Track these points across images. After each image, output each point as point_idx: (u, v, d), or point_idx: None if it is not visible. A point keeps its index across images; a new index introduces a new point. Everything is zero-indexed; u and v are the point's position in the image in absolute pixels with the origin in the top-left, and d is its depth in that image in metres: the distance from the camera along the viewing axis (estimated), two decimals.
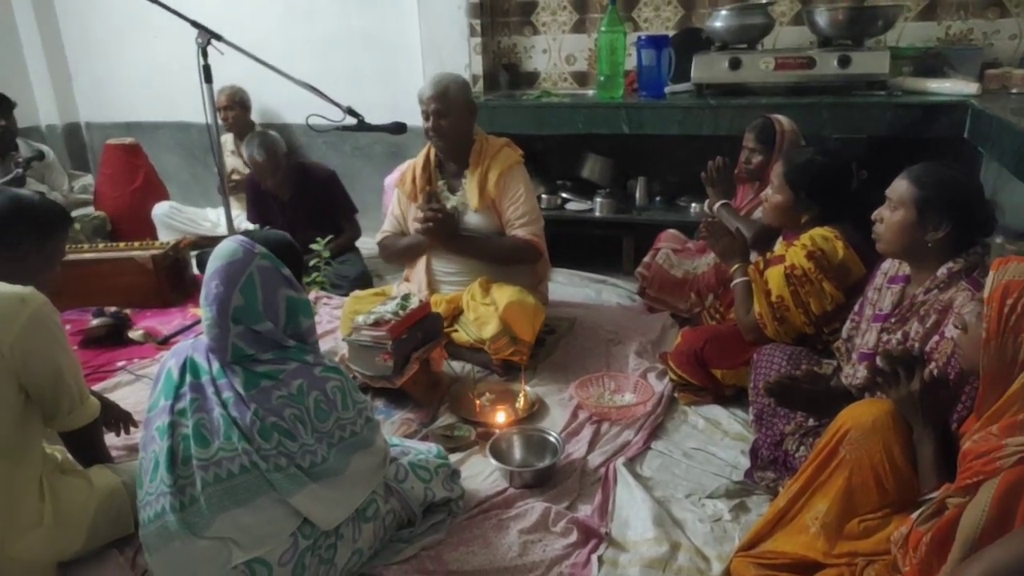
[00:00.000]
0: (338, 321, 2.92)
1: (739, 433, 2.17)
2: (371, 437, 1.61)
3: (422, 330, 2.37)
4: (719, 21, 3.15)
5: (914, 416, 1.41)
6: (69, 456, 1.75)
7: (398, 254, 2.89)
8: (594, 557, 1.67)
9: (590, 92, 3.71)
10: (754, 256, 2.36)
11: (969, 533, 1.11)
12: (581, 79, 3.91)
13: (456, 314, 2.65)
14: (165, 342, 2.96)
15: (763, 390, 1.77)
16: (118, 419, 1.99)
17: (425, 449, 1.88)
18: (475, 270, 2.70)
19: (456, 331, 2.62)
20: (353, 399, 1.58)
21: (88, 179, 4.36)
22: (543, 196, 3.64)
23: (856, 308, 1.87)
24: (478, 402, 2.33)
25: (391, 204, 2.97)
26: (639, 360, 2.61)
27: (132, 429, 2.02)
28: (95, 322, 2.97)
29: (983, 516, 1.09)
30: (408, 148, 3.71)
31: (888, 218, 1.66)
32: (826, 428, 1.52)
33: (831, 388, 1.81)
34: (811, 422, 1.83)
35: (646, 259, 3.08)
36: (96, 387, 2.42)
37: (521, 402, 2.34)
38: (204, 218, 4.27)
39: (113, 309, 3.08)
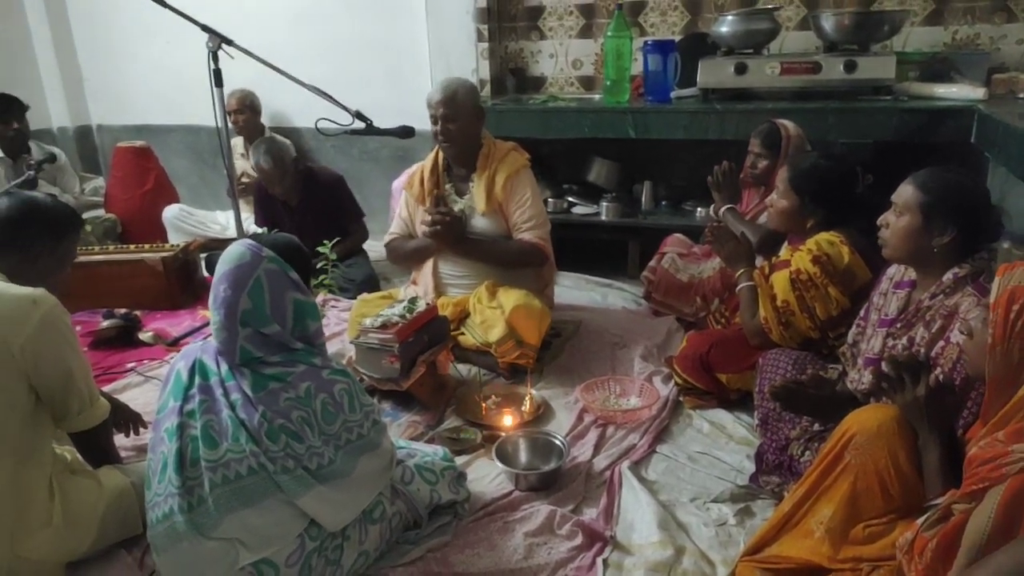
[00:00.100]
0: (345, 324, 2.93)
1: (744, 437, 2.17)
2: (378, 439, 1.62)
3: (429, 333, 2.38)
4: (725, 26, 3.16)
5: (919, 421, 1.41)
6: (78, 456, 1.76)
7: (405, 257, 2.91)
8: (599, 560, 1.67)
9: (596, 96, 3.72)
10: (760, 261, 2.36)
11: (975, 539, 1.10)
12: (588, 84, 3.92)
13: (463, 317, 2.66)
14: (175, 344, 2.98)
15: (768, 394, 1.78)
16: (128, 420, 2.00)
17: (431, 452, 1.89)
18: (482, 273, 2.71)
19: (462, 334, 2.62)
20: (360, 402, 1.59)
21: (99, 181, 4.40)
22: (549, 200, 3.65)
23: (862, 313, 1.87)
24: (484, 405, 2.34)
25: (398, 207, 2.99)
26: (644, 364, 2.61)
27: (141, 430, 2.03)
28: (105, 324, 2.99)
29: (989, 522, 1.09)
30: (416, 152, 3.73)
31: (894, 223, 1.67)
32: (831, 433, 1.52)
33: (836, 393, 1.81)
34: (816, 427, 1.83)
35: (652, 263, 3.08)
36: (106, 388, 2.44)
37: (527, 405, 2.35)
38: (213, 221, 4.30)
39: (123, 311, 3.10)
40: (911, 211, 1.63)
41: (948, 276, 1.59)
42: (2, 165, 3.78)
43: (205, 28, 2.34)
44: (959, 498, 1.20)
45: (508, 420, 2.25)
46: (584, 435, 2.20)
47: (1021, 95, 2.88)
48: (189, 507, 1.43)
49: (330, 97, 2.50)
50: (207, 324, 3.04)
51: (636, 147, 3.56)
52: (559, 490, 1.93)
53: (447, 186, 2.78)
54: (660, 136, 3.27)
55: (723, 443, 2.16)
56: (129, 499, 1.70)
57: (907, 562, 1.25)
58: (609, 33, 3.35)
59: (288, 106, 4.39)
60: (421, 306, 2.40)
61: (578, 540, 1.71)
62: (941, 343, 1.55)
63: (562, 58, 3.93)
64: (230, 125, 3.90)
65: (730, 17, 3.17)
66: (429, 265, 2.80)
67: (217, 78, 2.36)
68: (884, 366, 1.49)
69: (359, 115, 2.59)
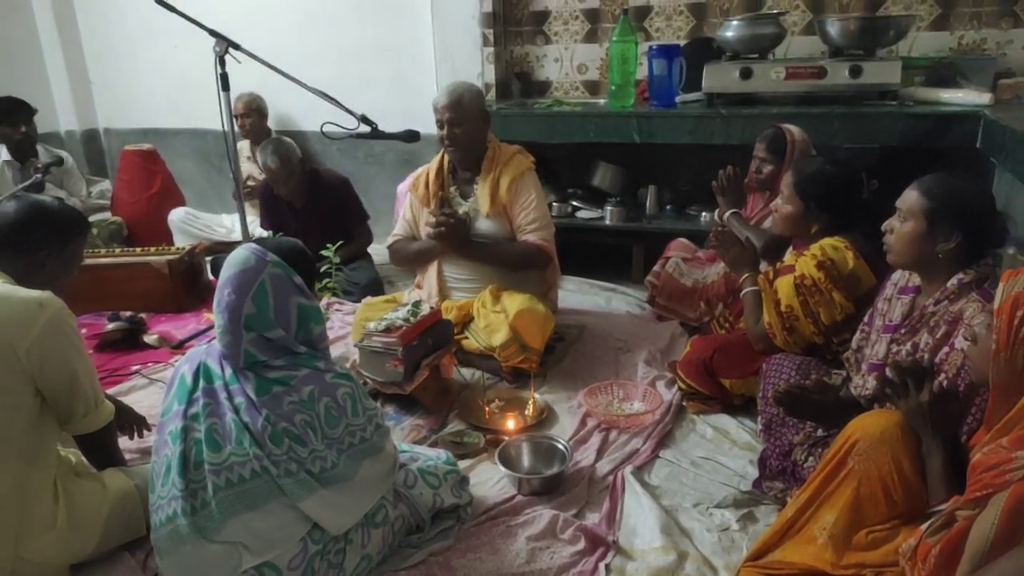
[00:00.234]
0: (350, 327, 2.94)
1: (747, 443, 2.16)
2: (381, 443, 1.62)
3: (432, 337, 2.39)
4: (730, 31, 3.16)
5: (923, 428, 1.40)
6: (83, 459, 1.77)
7: (408, 259, 2.91)
8: (601, 565, 1.67)
9: (601, 101, 3.72)
10: (764, 266, 2.36)
11: (978, 546, 1.10)
12: (593, 88, 3.93)
13: (466, 321, 2.67)
14: (179, 346, 2.99)
15: (772, 399, 1.77)
16: (132, 423, 2.01)
17: (434, 455, 1.89)
18: (486, 276, 2.72)
19: (466, 338, 2.63)
20: (363, 405, 1.60)
21: (106, 184, 4.41)
22: (554, 204, 3.65)
23: (866, 319, 1.87)
24: (487, 409, 2.34)
25: (403, 209, 3.00)
26: (648, 368, 2.61)
27: (145, 433, 2.04)
28: (111, 326, 3.00)
29: (992, 529, 1.09)
30: (421, 156, 3.74)
31: (898, 229, 1.66)
32: (835, 438, 1.52)
33: (840, 398, 1.80)
34: (820, 432, 1.83)
35: (656, 268, 3.08)
36: (111, 391, 2.45)
37: (530, 409, 2.35)
38: (219, 224, 4.31)
39: (128, 313, 3.11)
40: (916, 217, 1.62)
41: (953, 282, 1.59)
42: (10, 168, 3.80)
43: (212, 32, 2.36)
44: (962, 504, 1.20)
45: (511, 424, 2.26)
46: (587, 440, 2.20)
47: None
48: (192, 510, 1.44)
49: (336, 101, 2.51)
50: (212, 327, 3.05)
51: (641, 151, 3.55)
52: (562, 494, 1.93)
53: (452, 188, 2.79)
54: (665, 141, 3.27)
55: (726, 448, 2.16)
56: (133, 502, 1.70)
57: (910, 568, 1.25)
58: (614, 38, 3.36)
59: (294, 110, 4.41)
60: (425, 310, 2.40)
61: (581, 545, 1.71)
62: (945, 349, 1.54)
63: (567, 62, 3.94)
64: (237, 128, 3.91)
65: (735, 22, 3.17)
66: (433, 268, 2.81)
67: (224, 82, 2.37)
68: (888, 372, 1.49)
69: (364, 119, 2.60)
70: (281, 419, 1.47)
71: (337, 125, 2.51)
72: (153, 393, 2.56)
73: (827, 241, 2.06)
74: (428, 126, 2.77)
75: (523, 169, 2.72)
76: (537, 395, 2.42)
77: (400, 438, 2.18)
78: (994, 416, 1.26)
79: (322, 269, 3.25)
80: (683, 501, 1.91)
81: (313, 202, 3.61)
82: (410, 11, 4.00)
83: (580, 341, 2.89)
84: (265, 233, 3.70)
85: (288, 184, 3.52)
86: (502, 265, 2.71)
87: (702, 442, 2.20)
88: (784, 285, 2.08)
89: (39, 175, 3.57)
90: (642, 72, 3.52)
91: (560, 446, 2.06)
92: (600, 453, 2.13)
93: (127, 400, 2.25)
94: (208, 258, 3.70)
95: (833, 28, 3.05)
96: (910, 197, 1.65)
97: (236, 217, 3.64)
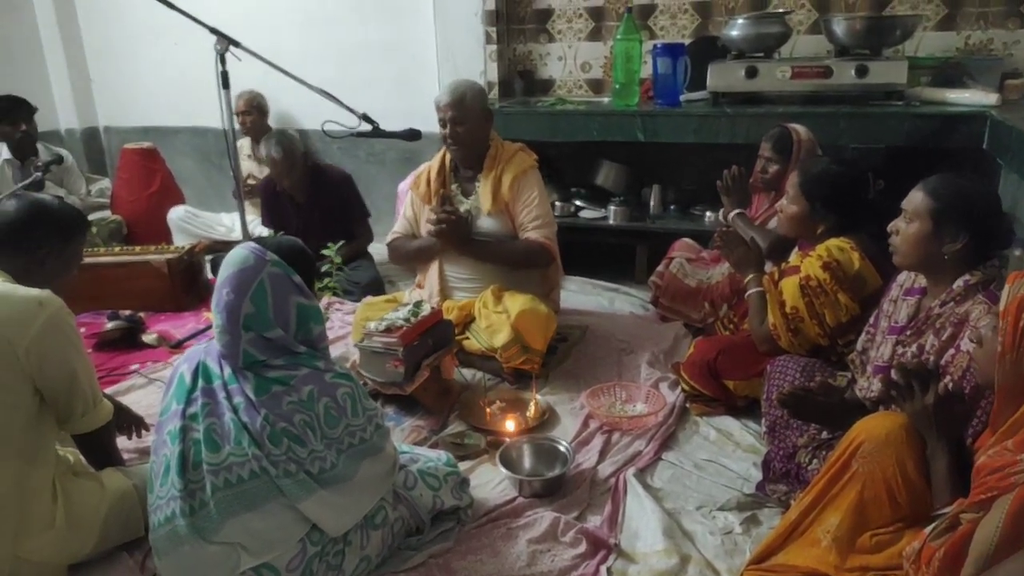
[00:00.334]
0: (350, 327, 2.93)
1: (751, 445, 2.15)
2: (380, 444, 1.62)
3: (433, 337, 2.37)
4: (736, 30, 3.14)
5: (928, 430, 1.40)
6: (81, 458, 1.77)
7: (407, 256, 2.91)
8: (603, 568, 1.66)
9: (605, 100, 3.71)
10: (769, 266, 2.34)
11: (982, 549, 1.10)
12: (596, 87, 3.91)
13: (468, 321, 2.66)
14: (179, 346, 2.99)
15: (777, 401, 1.76)
16: (130, 423, 2.01)
17: (435, 457, 1.88)
18: (488, 276, 2.71)
19: (467, 338, 2.62)
20: (363, 405, 1.59)
21: (105, 183, 4.41)
22: (557, 203, 3.64)
23: (871, 320, 1.85)
24: (488, 410, 2.33)
25: (404, 206, 2.99)
26: (651, 370, 2.59)
27: (144, 433, 2.03)
28: (110, 325, 3.00)
29: (997, 532, 1.08)
30: (422, 155, 3.72)
31: (904, 230, 1.65)
32: (839, 441, 1.51)
33: (845, 400, 1.80)
34: (824, 435, 1.82)
35: (659, 268, 3.07)
36: (109, 390, 2.45)
37: (532, 411, 2.34)
38: (219, 223, 4.31)
39: (128, 312, 3.11)
40: (921, 218, 1.61)
41: (959, 283, 1.58)
42: (10, 167, 3.80)
43: (213, 30, 2.35)
44: (967, 507, 1.20)
45: (512, 425, 2.25)
46: (589, 441, 2.19)
47: None
48: (191, 511, 1.44)
49: (337, 99, 2.50)
50: (211, 327, 3.04)
51: (645, 151, 3.54)
52: (563, 497, 1.92)
53: (453, 186, 2.78)
54: (669, 140, 3.26)
55: (730, 451, 2.15)
56: (131, 501, 1.70)
57: (914, 571, 1.25)
58: (618, 36, 3.35)
59: (295, 108, 4.41)
60: (426, 310, 2.39)
61: (582, 548, 1.70)
62: (951, 351, 1.53)
63: (571, 61, 3.92)
64: (237, 126, 3.90)
65: (741, 21, 3.16)
66: (435, 268, 2.80)
67: (224, 80, 2.36)
68: (893, 374, 1.49)
69: (366, 117, 2.59)
70: (280, 419, 1.46)
71: (338, 123, 2.50)
72: (152, 392, 2.56)
73: (833, 242, 2.05)
74: (429, 125, 2.76)
75: (525, 167, 2.71)
76: (539, 396, 2.41)
77: (400, 439, 2.17)
78: (999, 418, 1.25)
79: (322, 268, 3.25)
80: (686, 504, 1.90)
81: (315, 197, 3.61)
82: (412, 9, 3.99)
83: (583, 342, 2.88)
84: (266, 232, 3.70)
85: (291, 177, 3.52)
86: (504, 263, 2.70)
87: (705, 444, 2.19)
88: (789, 286, 2.07)
89: (39, 173, 3.57)
90: (646, 71, 3.51)
91: (562, 448, 2.05)
92: (602, 455, 2.12)
93: (125, 399, 2.25)
94: (208, 257, 3.70)
95: (839, 27, 3.03)
96: (916, 198, 1.64)
97: (236, 216, 3.64)
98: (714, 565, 1.67)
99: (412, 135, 2.67)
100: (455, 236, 2.63)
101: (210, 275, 3.62)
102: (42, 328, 1.52)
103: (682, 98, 3.35)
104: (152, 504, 1.50)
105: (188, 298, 3.41)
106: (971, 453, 1.35)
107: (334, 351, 2.45)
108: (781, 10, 3.34)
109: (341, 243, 3.31)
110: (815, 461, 1.78)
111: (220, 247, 3.82)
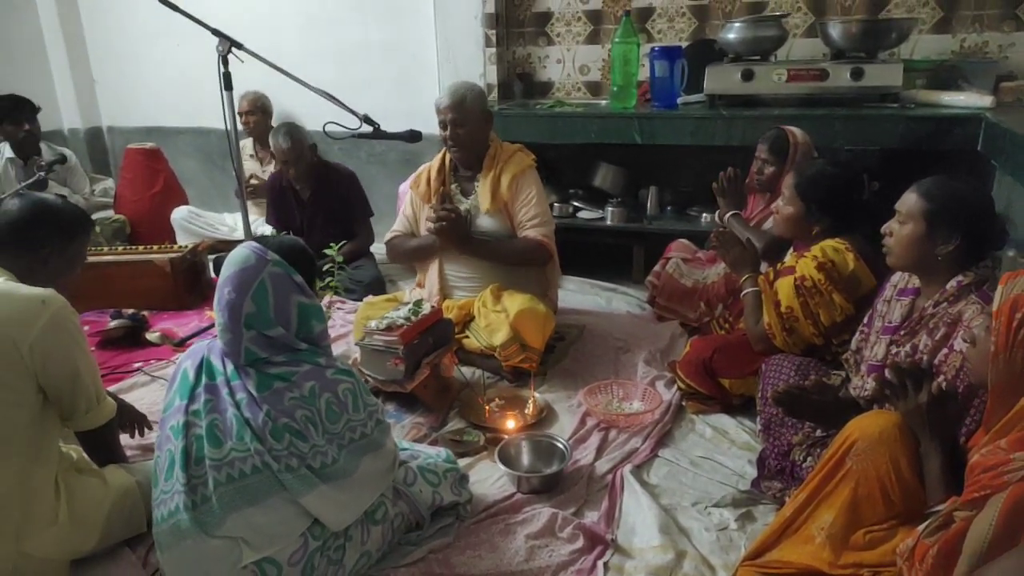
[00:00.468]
0: (351, 325, 2.95)
1: (746, 442, 2.17)
2: (381, 439, 1.63)
3: (433, 336, 2.39)
4: (732, 33, 3.16)
5: (921, 429, 1.41)
6: (84, 455, 1.78)
7: (406, 254, 2.92)
8: (600, 563, 1.67)
9: (603, 102, 3.73)
10: (764, 267, 2.36)
11: (976, 547, 1.10)
12: (594, 89, 3.93)
13: (467, 320, 2.67)
14: (181, 344, 3.00)
15: (771, 399, 1.77)
16: (133, 421, 2.01)
17: (434, 453, 1.90)
18: (488, 275, 2.72)
19: (467, 337, 2.64)
20: (364, 401, 1.60)
21: (109, 183, 4.43)
22: (555, 204, 3.66)
23: (865, 320, 1.87)
24: (487, 408, 2.35)
25: (403, 205, 3.00)
26: (648, 368, 2.61)
27: (146, 431, 2.05)
28: (113, 324, 3.01)
29: (990, 530, 1.09)
30: (423, 156, 3.74)
31: (898, 232, 1.67)
32: (833, 439, 1.52)
33: (839, 399, 1.81)
34: (819, 432, 1.83)
35: (656, 268, 3.09)
36: (112, 388, 2.46)
37: (530, 408, 2.35)
38: (222, 222, 4.32)
39: (131, 311, 3.12)
40: (915, 219, 1.63)
41: (952, 284, 1.60)
42: (13, 166, 3.81)
43: (215, 32, 2.36)
44: (960, 505, 1.20)
45: (511, 423, 2.26)
46: (586, 439, 2.20)
47: None
48: (193, 505, 1.45)
49: (338, 101, 2.51)
50: (214, 325, 3.06)
51: (642, 152, 3.56)
52: (561, 493, 1.93)
53: (453, 186, 2.80)
54: (666, 142, 3.27)
55: (725, 448, 2.16)
56: (134, 498, 1.71)
57: (908, 569, 1.25)
58: (616, 39, 3.36)
59: (296, 109, 4.41)
60: (426, 309, 2.41)
61: (579, 543, 1.72)
62: (944, 351, 1.55)
63: (569, 63, 3.94)
64: (240, 127, 3.92)
65: (737, 24, 3.17)
66: (435, 267, 2.82)
67: (227, 82, 2.37)
68: (887, 373, 1.49)
69: (367, 119, 2.60)
70: (282, 414, 1.48)
71: (339, 125, 2.51)
72: (155, 390, 2.57)
73: (828, 243, 2.07)
74: (430, 126, 2.78)
75: (524, 166, 2.73)
76: (537, 394, 2.43)
77: (400, 436, 2.18)
78: (992, 418, 1.26)
79: (324, 268, 3.26)
80: (682, 500, 1.91)
81: (320, 192, 3.63)
82: (413, 12, 4.01)
83: (580, 341, 2.90)
84: (269, 230, 3.72)
85: (297, 167, 3.54)
86: (502, 261, 2.72)
87: (701, 441, 2.21)
88: (784, 286, 2.09)
89: (42, 173, 3.59)
90: (644, 73, 3.52)
91: (559, 445, 2.06)
92: (599, 452, 2.13)
93: (128, 397, 2.26)
94: (211, 256, 3.71)
95: (835, 30, 3.05)
96: (909, 200, 1.65)
97: (238, 216, 3.65)
98: (709, 561, 1.68)
99: (413, 136, 2.68)
100: (454, 234, 2.65)
101: (213, 274, 3.64)
102: (45, 326, 1.53)
103: (679, 100, 3.37)
104: (156, 498, 1.51)
105: (191, 297, 3.42)
106: (964, 452, 1.36)
107: (335, 350, 2.46)
108: (777, 13, 3.36)
109: (343, 243, 3.32)
110: (809, 459, 1.80)
111: (223, 247, 3.83)
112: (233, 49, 2.36)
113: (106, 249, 3.56)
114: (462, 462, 2.02)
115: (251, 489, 1.45)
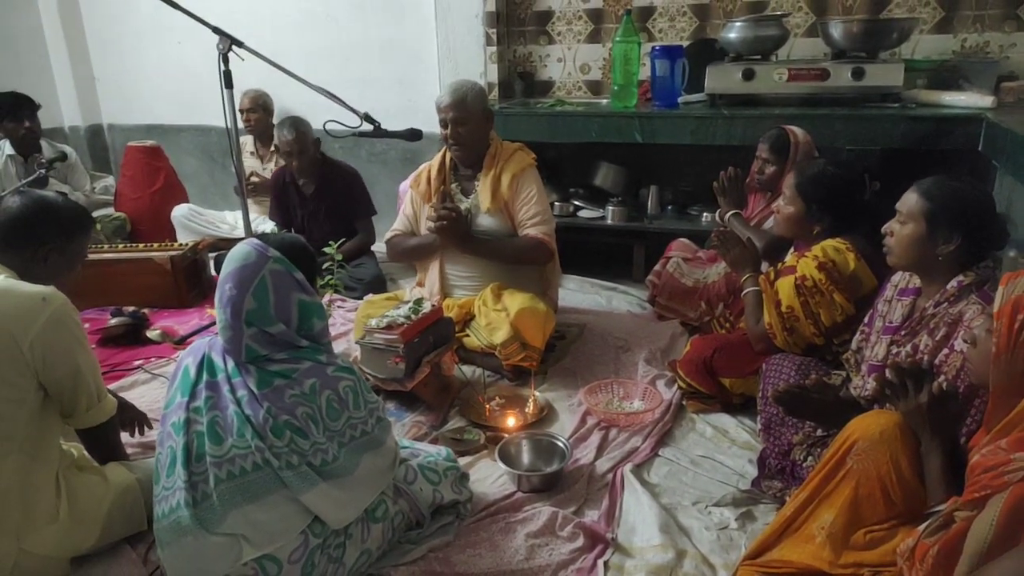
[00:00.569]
0: (352, 324, 2.95)
1: (747, 442, 2.17)
2: (382, 437, 1.63)
3: (434, 334, 2.39)
4: (733, 32, 3.16)
5: (922, 428, 1.41)
6: (85, 453, 1.78)
7: (405, 253, 2.92)
8: (600, 562, 1.67)
9: (604, 101, 3.73)
10: (765, 266, 2.36)
11: (976, 547, 1.10)
12: (595, 88, 3.93)
13: (468, 319, 2.68)
14: (182, 342, 3.00)
15: (772, 399, 1.77)
16: (134, 419, 2.02)
17: (435, 452, 1.90)
18: (488, 274, 2.73)
19: (467, 336, 2.64)
20: (365, 399, 1.60)
21: (109, 180, 4.43)
22: (555, 203, 3.66)
23: (866, 320, 1.87)
24: (488, 406, 2.35)
25: (403, 204, 3.00)
26: (648, 367, 2.61)
27: (147, 429, 2.05)
28: (113, 321, 3.01)
29: (990, 530, 1.09)
30: (423, 155, 3.75)
31: (898, 232, 1.67)
32: (834, 438, 1.52)
33: (840, 398, 1.80)
34: (819, 432, 1.83)
35: (657, 267, 3.09)
36: (113, 385, 2.46)
37: (530, 407, 2.35)
38: (222, 220, 4.33)
39: (131, 309, 3.12)
40: (915, 219, 1.63)
41: (953, 284, 1.60)
42: (14, 163, 3.81)
43: (216, 30, 2.36)
44: (961, 505, 1.20)
45: (511, 422, 2.26)
46: (587, 437, 2.21)
47: None
48: (194, 502, 1.45)
49: (338, 99, 2.51)
50: (214, 323, 3.05)
51: (643, 152, 3.56)
52: (561, 492, 1.93)
53: (453, 185, 2.80)
54: (667, 141, 3.28)
55: (726, 447, 2.16)
56: (134, 495, 1.71)
57: (908, 568, 1.25)
58: (617, 38, 3.36)
59: (297, 107, 4.39)
60: (426, 307, 2.41)
61: (579, 542, 1.72)
62: (945, 351, 1.55)
63: (570, 62, 3.94)
64: (241, 124, 3.92)
65: (738, 23, 3.18)
66: (435, 266, 2.82)
67: (227, 79, 2.37)
68: (888, 373, 1.49)
69: (367, 117, 2.60)
70: (282, 411, 1.48)
71: (340, 123, 2.51)
72: (155, 388, 2.57)
73: (829, 242, 2.07)
74: (431, 125, 2.78)
75: (524, 165, 2.73)
76: (537, 393, 2.43)
77: (401, 435, 2.18)
78: (993, 418, 1.26)
79: (324, 266, 3.27)
80: (682, 499, 1.91)
81: (323, 188, 3.64)
82: (414, 10, 4.01)
83: (581, 340, 2.90)
84: (271, 226, 3.72)
85: (301, 160, 3.54)
86: (503, 260, 2.72)
87: (701, 441, 2.21)
88: (785, 286, 2.09)
89: (43, 170, 3.58)
90: (645, 73, 3.53)
91: (560, 444, 2.06)
92: (600, 451, 2.13)
93: (129, 395, 2.27)
94: (211, 254, 3.72)
95: (836, 30, 3.05)
96: (910, 199, 1.65)
97: (239, 214, 3.65)
98: (710, 560, 1.68)
99: (413, 135, 2.68)
100: (455, 233, 2.65)
101: (213, 272, 3.64)
102: (46, 324, 1.53)
103: (680, 100, 3.37)
104: (158, 495, 1.51)
105: (191, 294, 3.43)
106: (965, 452, 1.36)
107: (336, 348, 2.45)
108: (778, 13, 3.36)
109: (342, 240, 3.32)
110: (810, 458, 1.80)
111: (223, 244, 3.84)
112: (234, 47, 2.36)
113: (107, 247, 3.56)
114: (462, 461, 2.02)
115: (252, 486, 1.45)
